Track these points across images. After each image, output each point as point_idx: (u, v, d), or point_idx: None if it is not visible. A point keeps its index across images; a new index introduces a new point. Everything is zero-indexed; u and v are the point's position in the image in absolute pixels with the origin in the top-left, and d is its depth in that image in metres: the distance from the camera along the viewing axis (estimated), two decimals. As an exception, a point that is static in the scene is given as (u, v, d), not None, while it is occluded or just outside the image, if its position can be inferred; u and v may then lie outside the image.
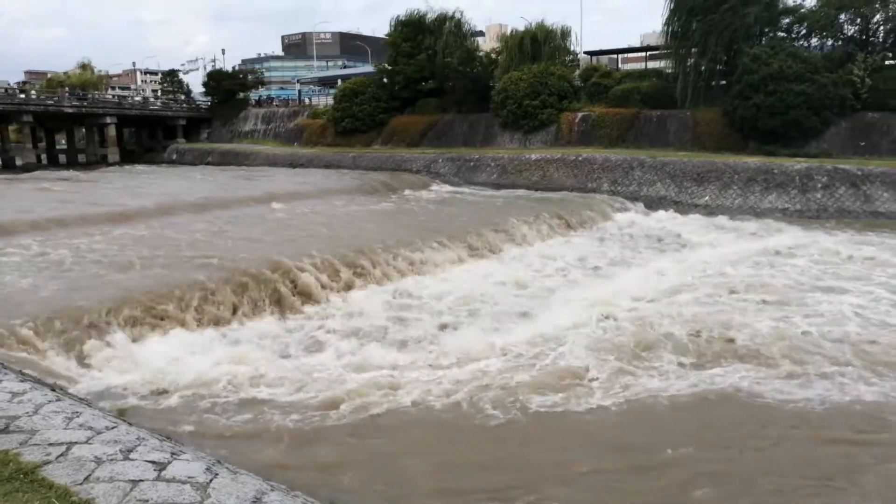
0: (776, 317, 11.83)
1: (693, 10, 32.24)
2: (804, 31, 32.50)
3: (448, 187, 31.99)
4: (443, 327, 11.58)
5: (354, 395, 8.51)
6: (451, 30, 41.93)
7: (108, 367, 9.14)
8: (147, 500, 3.85)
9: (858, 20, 31.01)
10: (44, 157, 54.39)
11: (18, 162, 44.81)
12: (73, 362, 9.10)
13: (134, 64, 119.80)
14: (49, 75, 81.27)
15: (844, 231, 21.00)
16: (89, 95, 54.25)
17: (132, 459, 4.43)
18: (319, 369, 9.43)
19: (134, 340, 9.93)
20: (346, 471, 6.92)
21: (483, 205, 25.14)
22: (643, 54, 42.72)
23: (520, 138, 36.64)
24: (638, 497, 6.56)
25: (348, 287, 13.52)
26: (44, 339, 9.21)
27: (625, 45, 46.53)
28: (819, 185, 24.82)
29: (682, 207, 25.89)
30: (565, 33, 39.83)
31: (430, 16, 42.93)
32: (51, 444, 4.58)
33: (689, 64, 32.88)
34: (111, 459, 4.39)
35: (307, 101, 56.35)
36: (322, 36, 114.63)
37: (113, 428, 5.05)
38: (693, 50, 32.82)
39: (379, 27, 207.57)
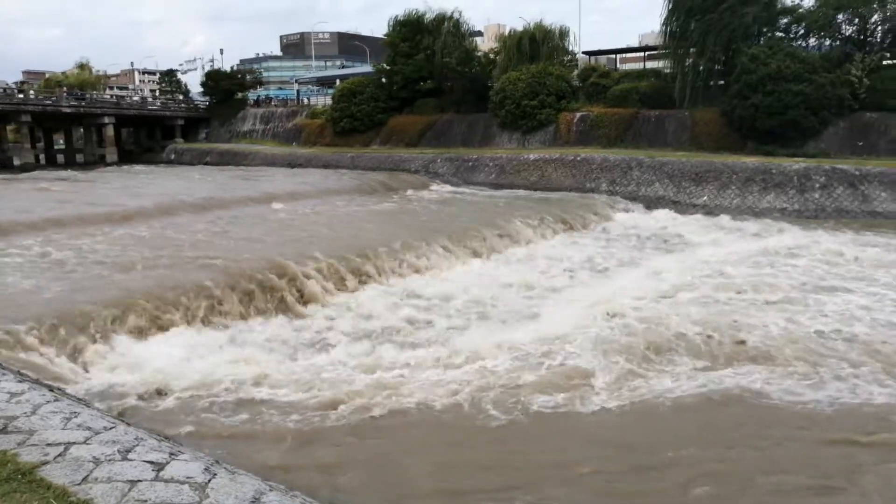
0: (784, 317, 11.76)
1: (691, 10, 32.27)
2: (802, 31, 32.55)
3: (448, 187, 31.98)
4: (448, 328, 11.55)
5: (357, 395, 8.49)
6: (449, 30, 41.94)
7: (106, 368, 9.13)
8: (145, 501, 3.85)
9: (856, 20, 31.05)
10: (42, 157, 54.33)
11: (16, 162, 44.72)
12: (72, 363, 9.08)
13: (132, 64, 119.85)
14: (47, 75, 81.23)
15: (844, 231, 20.99)
16: (87, 95, 54.17)
17: (130, 460, 4.42)
18: (321, 370, 9.41)
19: (133, 341, 9.91)
20: (347, 471, 6.91)
21: (484, 205, 25.08)
22: (641, 54, 42.76)
23: (518, 138, 36.66)
24: (639, 498, 6.54)
25: (352, 288, 13.51)
26: (42, 340, 9.19)
27: (623, 46, 46.60)
28: (817, 185, 24.86)
29: (681, 207, 25.89)
30: (563, 33, 39.87)
31: (429, 16, 42.98)
32: (49, 445, 4.57)
33: (687, 64, 32.90)
34: (109, 460, 4.39)
35: (306, 101, 56.34)
36: (320, 36, 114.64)
37: (111, 428, 5.04)
38: (691, 50, 32.85)
39: (377, 27, 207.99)
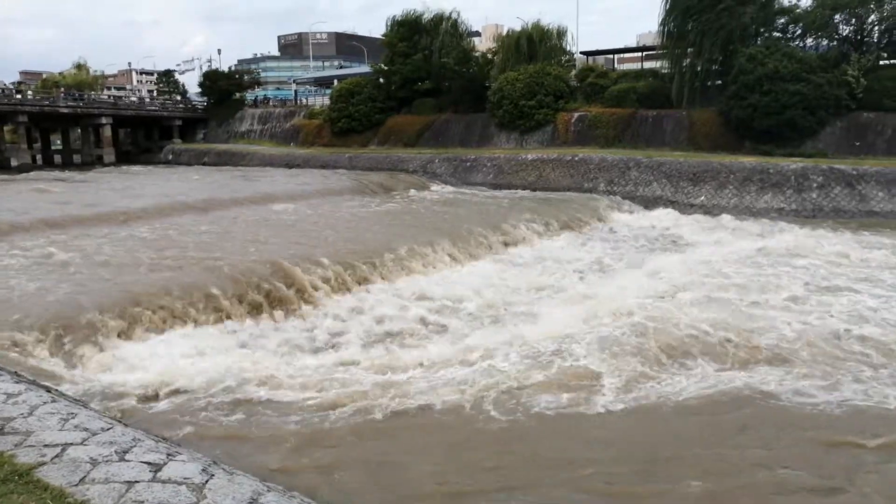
0: (794, 318, 11.73)
1: (689, 11, 32.30)
2: (799, 32, 32.58)
3: (446, 187, 31.95)
4: (452, 328, 11.57)
5: (361, 396, 8.48)
6: (447, 30, 41.96)
7: (104, 368, 9.12)
8: (142, 502, 3.84)
9: (853, 20, 31.10)
10: (39, 157, 54.19)
11: (13, 163, 44.67)
12: (70, 363, 9.07)
13: (129, 64, 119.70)
14: (44, 75, 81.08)
15: (843, 231, 21.00)
16: (85, 96, 54.09)
17: (128, 460, 4.42)
18: (323, 370, 9.40)
19: (130, 341, 9.91)
20: (349, 472, 6.90)
21: (484, 206, 25.02)
22: (639, 54, 42.79)
23: (516, 138, 36.66)
24: (641, 500, 6.54)
25: (357, 289, 13.52)
26: (40, 340, 9.18)
27: (621, 46, 46.61)
28: (814, 185, 24.90)
29: (679, 207, 25.93)
30: (561, 33, 39.92)
31: (427, 16, 42.99)
32: (46, 446, 4.56)
33: (684, 64, 32.95)
34: (106, 460, 4.38)
35: (303, 101, 56.31)
36: (318, 36, 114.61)
37: (108, 429, 5.04)
38: (689, 50, 32.89)
39: (375, 27, 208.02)
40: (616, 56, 44.26)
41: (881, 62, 29.84)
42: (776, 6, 32.92)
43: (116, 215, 19.34)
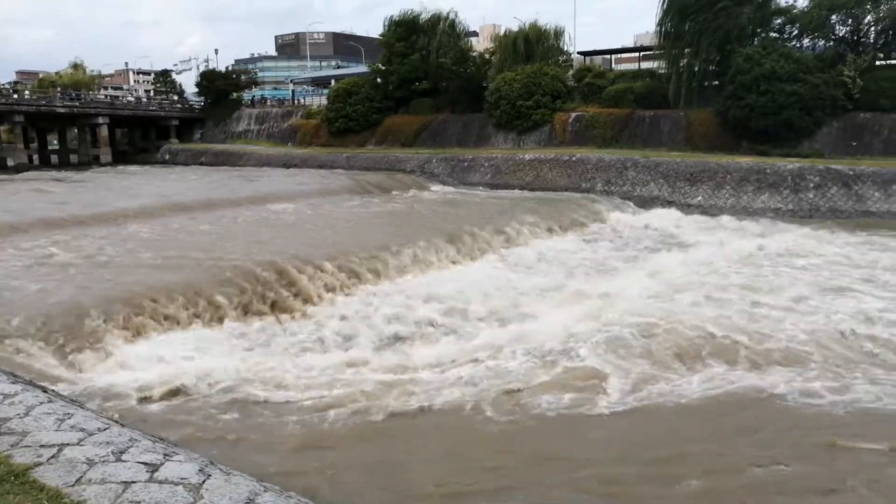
0: (800, 318, 11.70)
1: (686, 11, 32.34)
2: (796, 32, 32.64)
3: (447, 188, 31.90)
4: (456, 328, 11.56)
5: (361, 396, 8.47)
6: (444, 30, 41.98)
7: (101, 369, 9.10)
8: (139, 502, 3.83)
9: (850, 21, 31.18)
10: (35, 157, 54.05)
11: (10, 162, 44.57)
12: (67, 363, 9.05)
13: (126, 64, 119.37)
14: (41, 75, 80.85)
15: (841, 232, 21.02)
16: (82, 95, 53.97)
17: (124, 461, 4.41)
18: (323, 371, 9.38)
19: (128, 342, 9.89)
20: (349, 472, 6.89)
21: (484, 206, 24.99)
22: (636, 55, 42.85)
23: (514, 138, 36.68)
24: (643, 501, 6.54)
25: (355, 289, 13.53)
26: (36, 341, 9.16)
27: (618, 46, 46.66)
28: (811, 185, 24.95)
29: (676, 207, 25.92)
30: (558, 34, 39.94)
31: (424, 16, 42.99)
32: (42, 446, 4.55)
33: (682, 64, 33.00)
34: (103, 461, 4.37)
35: (301, 101, 56.26)
36: (315, 36, 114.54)
37: (105, 429, 5.02)
38: (686, 50, 32.93)
39: (372, 27, 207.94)
40: (613, 56, 44.30)
41: (877, 62, 29.94)
42: (773, 6, 32.99)
43: (115, 215, 19.32)
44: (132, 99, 64.21)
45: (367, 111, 42.70)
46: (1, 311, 9.84)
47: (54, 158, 54.32)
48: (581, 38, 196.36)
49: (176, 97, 67.94)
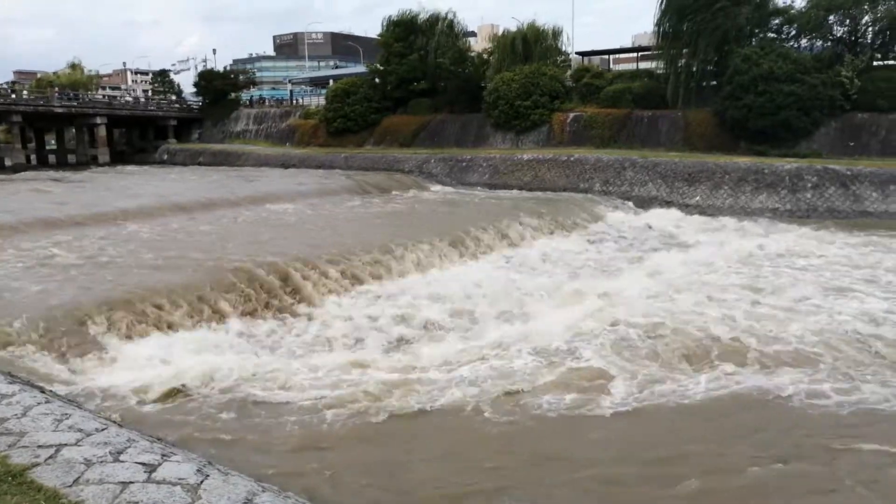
0: (802, 319, 11.66)
1: (684, 11, 32.37)
2: (794, 32, 32.68)
3: (446, 188, 31.85)
4: (458, 328, 11.54)
5: (362, 396, 8.44)
6: (443, 30, 41.97)
7: (99, 369, 9.08)
8: (137, 502, 3.83)
9: (847, 21, 31.23)
10: (33, 157, 53.98)
11: (7, 162, 44.48)
12: (64, 364, 9.02)
13: (124, 64, 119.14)
14: (38, 75, 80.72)
15: (839, 232, 21.04)
16: (80, 95, 53.88)
17: (122, 461, 4.40)
18: (324, 371, 9.35)
19: (125, 342, 9.86)
20: (350, 473, 6.87)
21: (484, 206, 24.92)
22: (635, 55, 42.88)
23: (512, 138, 36.69)
24: (643, 502, 6.52)
25: (358, 289, 13.55)
26: (33, 341, 9.15)
27: (616, 46, 46.68)
28: (809, 185, 24.98)
29: (674, 207, 25.94)
30: (556, 34, 39.97)
31: (423, 16, 42.96)
32: (40, 447, 4.54)
33: (680, 64, 33.03)
34: (101, 461, 4.36)
35: (299, 101, 56.23)
36: (314, 36, 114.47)
37: (103, 430, 5.02)
38: (684, 51, 32.97)
39: (371, 27, 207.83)
40: (612, 56, 44.36)
41: (875, 63, 29.97)
42: (771, 7, 33.03)
43: (115, 216, 19.27)
44: (130, 99, 64.10)
45: (365, 111, 42.69)
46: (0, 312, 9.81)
47: (52, 158, 54.24)
48: (580, 38, 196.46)
49: (174, 97, 67.85)
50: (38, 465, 4.26)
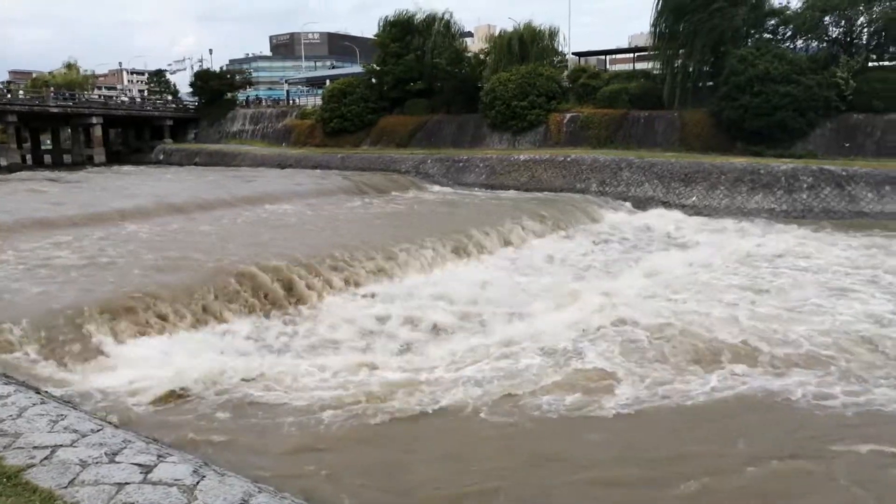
0: (807, 319, 11.65)
1: (680, 11, 32.42)
2: (790, 33, 32.77)
3: (444, 188, 31.76)
4: (461, 329, 11.53)
5: (364, 397, 8.41)
6: (439, 30, 41.97)
7: (96, 370, 9.05)
8: (133, 503, 3.82)
9: (843, 22, 31.31)
10: (28, 157, 53.80)
11: (3, 162, 44.25)
12: (60, 365, 8.98)
13: (120, 64, 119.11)
14: (34, 75, 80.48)
15: (837, 232, 21.07)
16: (76, 95, 53.74)
17: (118, 462, 4.39)
18: (331, 372, 9.32)
19: (125, 343, 9.82)
20: (349, 474, 6.84)
21: (483, 207, 24.85)
22: (631, 55, 42.96)
23: (508, 139, 36.71)
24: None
25: (361, 290, 13.57)
26: (30, 342, 9.11)
27: (613, 47, 46.75)
28: (805, 186, 25.04)
29: (671, 208, 25.98)
30: (553, 34, 39.96)
31: (419, 16, 42.96)
32: (35, 448, 4.53)
33: (676, 65, 33.06)
34: (96, 462, 4.35)
35: (295, 101, 56.17)
36: (310, 36, 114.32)
37: (98, 431, 5.01)
38: (680, 51, 33.02)
39: (367, 27, 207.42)
40: (608, 57, 44.44)
41: (870, 64, 30.08)
42: (767, 8, 33.13)
43: (114, 216, 19.17)
44: (126, 99, 63.95)
45: (361, 111, 42.67)
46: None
47: (47, 158, 54.06)
48: (578, 37, 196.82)
49: (170, 97, 67.73)
50: (33, 466, 4.24)
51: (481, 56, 42.45)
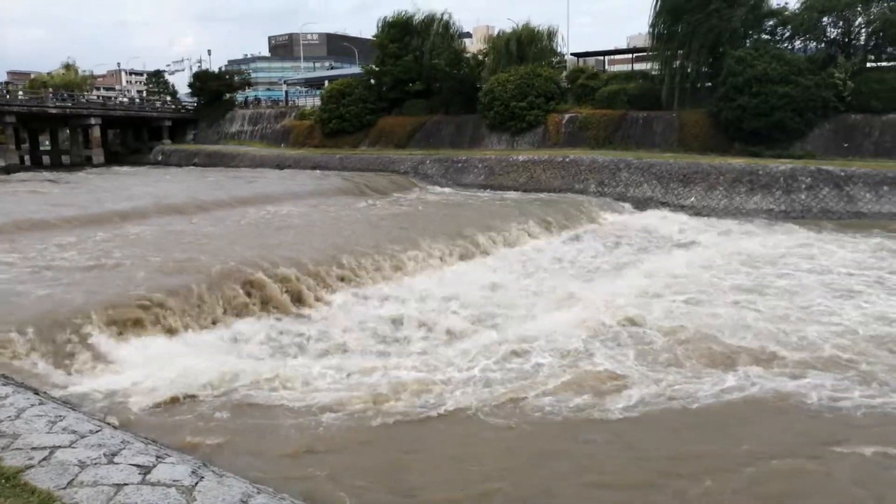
0: (816, 320, 11.62)
1: (678, 12, 32.47)
2: (788, 34, 32.82)
3: (445, 189, 31.76)
4: (465, 329, 11.52)
5: (364, 398, 8.41)
6: (438, 31, 41.99)
7: (94, 371, 9.04)
8: (132, 504, 3.82)
9: (841, 23, 31.36)
10: (27, 158, 53.74)
11: (1, 163, 44.26)
12: (58, 365, 8.97)
13: (119, 64, 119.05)
14: (32, 76, 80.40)
15: (835, 232, 21.10)
16: (74, 96, 53.69)
17: (116, 463, 4.39)
18: (330, 371, 9.31)
19: (123, 344, 9.81)
20: (349, 475, 6.84)
21: (484, 208, 24.82)
22: (629, 56, 42.95)
23: (507, 139, 36.73)
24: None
25: (366, 291, 13.56)
26: (28, 342, 9.09)
27: (611, 48, 46.75)
28: (803, 186, 25.07)
29: (669, 208, 25.99)
30: (552, 35, 39.99)
31: (418, 17, 43.00)
32: (34, 449, 4.53)
33: (674, 66, 33.10)
34: (95, 463, 4.35)
35: (294, 102, 56.14)
36: (309, 37, 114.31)
37: (97, 431, 5.01)
38: (679, 52, 33.07)
39: (366, 28, 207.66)
40: (606, 58, 44.42)
41: (868, 65, 30.13)
42: (765, 8, 33.16)
43: (116, 217, 19.13)
44: (125, 100, 63.89)
45: (360, 112, 42.67)
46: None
47: (46, 159, 54.02)
48: (577, 38, 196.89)
49: (169, 98, 67.66)
50: (32, 467, 4.24)
51: (480, 57, 42.45)
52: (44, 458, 4.37)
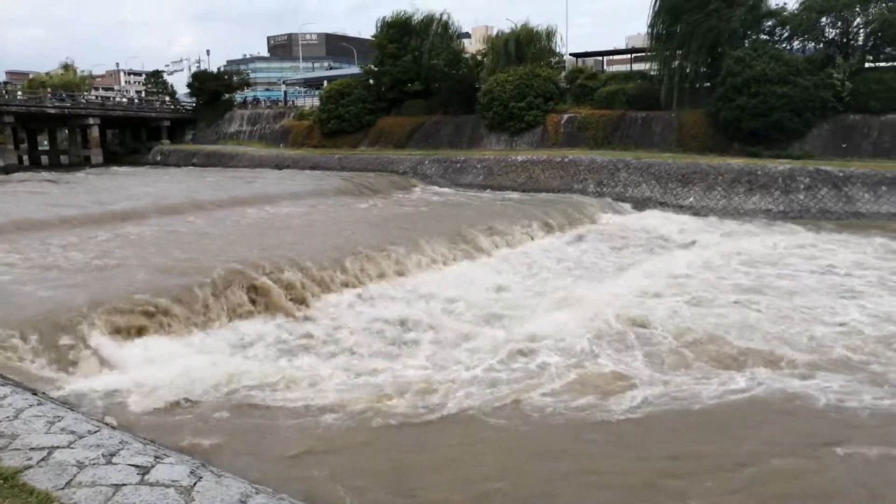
0: (821, 321, 11.61)
1: (677, 13, 32.49)
2: (787, 34, 32.84)
3: (445, 189, 31.72)
4: (466, 330, 11.46)
5: (365, 399, 8.39)
6: (437, 31, 42.01)
7: (93, 371, 9.02)
8: (130, 505, 3.81)
9: (839, 24, 31.39)
10: (26, 158, 53.68)
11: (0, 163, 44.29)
12: (58, 366, 8.96)
13: (117, 64, 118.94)
14: (31, 76, 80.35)
15: (833, 233, 21.10)
16: (73, 96, 53.66)
17: (115, 463, 4.38)
18: (325, 373, 9.28)
19: (122, 344, 9.79)
20: (350, 475, 6.83)
21: (485, 208, 24.71)
22: (628, 56, 42.98)
23: (506, 140, 36.74)
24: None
25: (367, 291, 13.59)
26: (26, 343, 9.08)
27: (610, 48, 46.77)
28: (801, 187, 25.09)
29: (668, 209, 26.02)
30: (550, 35, 39.98)
31: (417, 17, 42.99)
32: (32, 449, 4.52)
33: (673, 66, 33.12)
34: (93, 464, 4.34)
35: (293, 102, 56.13)
36: (308, 37, 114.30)
37: (95, 432, 4.99)
38: (678, 52, 33.08)
39: (365, 28, 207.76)
40: (605, 58, 44.43)
41: (866, 65, 30.16)
42: (764, 9, 33.18)
43: (117, 217, 19.08)
44: (123, 100, 63.88)
45: (359, 112, 42.67)
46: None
47: (44, 159, 53.98)
48: (577, 38, 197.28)
49: (167, 98, 67.61)
50: (30, 467, 4.23)
51: (479, 57, 42.46)
52: (42, 459, 4.36)
